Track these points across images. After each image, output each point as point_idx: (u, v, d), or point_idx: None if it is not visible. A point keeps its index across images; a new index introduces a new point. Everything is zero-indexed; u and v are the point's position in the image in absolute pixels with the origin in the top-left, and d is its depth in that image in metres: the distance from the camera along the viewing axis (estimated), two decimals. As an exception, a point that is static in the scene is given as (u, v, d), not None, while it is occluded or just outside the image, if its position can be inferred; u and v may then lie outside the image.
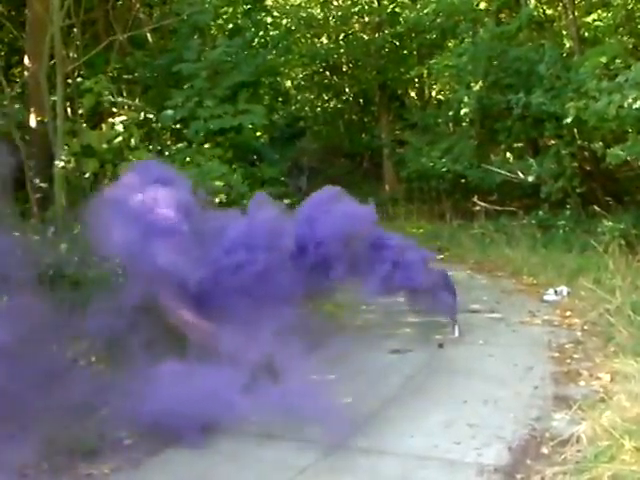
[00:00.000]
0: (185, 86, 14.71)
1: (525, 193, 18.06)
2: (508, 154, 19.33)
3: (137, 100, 15.49)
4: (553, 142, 17.12)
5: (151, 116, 14.58)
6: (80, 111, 13.46)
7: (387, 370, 8.14)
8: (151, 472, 5.60)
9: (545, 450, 5.57)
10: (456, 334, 9.39)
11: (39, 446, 5.26)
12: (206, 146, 13.72)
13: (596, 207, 15.03)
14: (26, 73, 12.59)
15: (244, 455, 5.89)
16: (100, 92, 12.70)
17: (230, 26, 20.85)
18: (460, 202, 20.49)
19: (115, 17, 15.86)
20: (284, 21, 24.92)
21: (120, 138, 12.27)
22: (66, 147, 11.69)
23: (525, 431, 6.01)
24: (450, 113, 20.69)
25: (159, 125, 14.68)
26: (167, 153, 13.85)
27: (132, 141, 12.50)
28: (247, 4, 20.43)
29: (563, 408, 6.35)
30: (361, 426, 6.31)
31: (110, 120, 12.86)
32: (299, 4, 26.29)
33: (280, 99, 25.74)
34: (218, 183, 12.15)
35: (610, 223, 13.54)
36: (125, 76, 16.68)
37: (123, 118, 12.83)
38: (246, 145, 14.95)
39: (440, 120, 21.92)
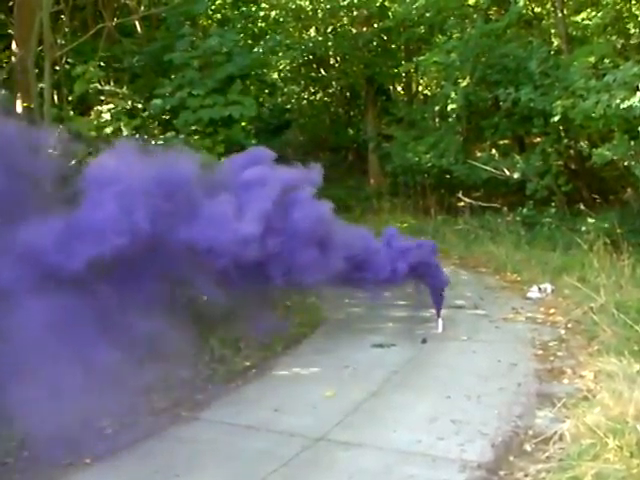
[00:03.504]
0: (174, 76, 14.58)
1: (510, 190, 18.11)
2: (494, 151, 19.33)
3: (124, 88, 15.39)
4: (539, 140, 17.19)
5: (139, 105, 14.50)
6: (70, 98, 13.38)
7: (370, 364, 8.17)
8: (134, 461, 5.58)
9: (528, 447, 5.60)
10: (440, 329, 9.42)
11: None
12: (195, 137, 13.63)
13: (581, 205, 15.11)
14: (14, 59, 12.47)
15: (229, 445, 5.89)
16: (90, 79, 12.62)
17: (218, 17, 20.77)
18: (445, 197, 20.52)
19: (104, 4, 15.78)
20: (272, 13, 24.79)
21: (111, 128, 12.21)
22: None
23: (508, 428, 6.04)
24: (436, 108, 20.73)
25: (146, 114, 14.59)
26: (154, 143, 13.75)
27: (123, 131, 12.43)
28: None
29: (546, 405, 6.38)
30: (344, 420, 6.34)
31: (97, 108, 12.80)
32: (288, -4, 26.13)
33: (266, 91, 25.64)
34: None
35: (595, 221, 13.63)
36: (113, 64, 16.58)
37: (110, 106, 12.78)
38: (235, 137, 14.86)
39: (426, 115, 21.89)
